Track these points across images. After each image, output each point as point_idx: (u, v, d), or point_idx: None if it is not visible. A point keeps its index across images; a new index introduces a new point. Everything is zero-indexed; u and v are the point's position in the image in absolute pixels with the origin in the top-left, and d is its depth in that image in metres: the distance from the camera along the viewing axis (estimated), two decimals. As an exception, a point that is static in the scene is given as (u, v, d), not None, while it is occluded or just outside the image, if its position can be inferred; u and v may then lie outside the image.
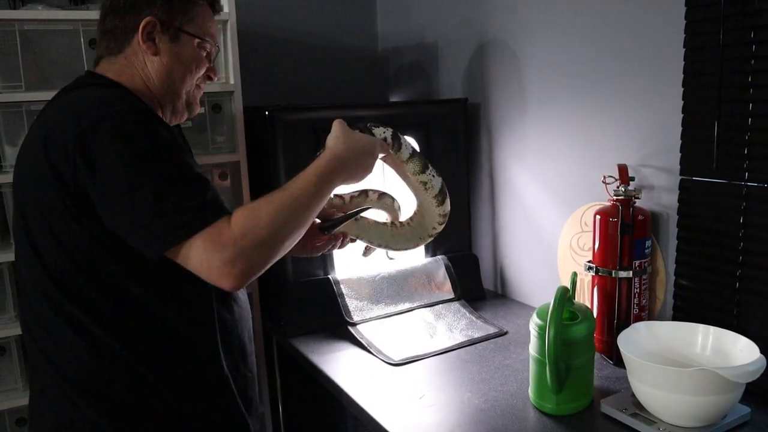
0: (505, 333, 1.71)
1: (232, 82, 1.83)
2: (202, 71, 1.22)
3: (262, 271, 1.01)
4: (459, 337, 1.68)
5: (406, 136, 1.30)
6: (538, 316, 1.31)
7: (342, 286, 1.79)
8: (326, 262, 1.82)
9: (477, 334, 1.70)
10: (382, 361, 1.57)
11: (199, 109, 1.26)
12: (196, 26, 1.19)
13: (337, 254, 1.83)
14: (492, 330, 1.72)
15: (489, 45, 1.96)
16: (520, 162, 1.90)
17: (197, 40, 1.19)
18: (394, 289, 1.84)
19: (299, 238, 1.06)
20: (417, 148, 1.38)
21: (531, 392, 1.34)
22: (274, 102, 2.14)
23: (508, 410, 1.31)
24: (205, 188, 1.00)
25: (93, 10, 1.73)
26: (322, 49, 2.43)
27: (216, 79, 1.28)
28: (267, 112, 1.73)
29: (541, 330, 1.28)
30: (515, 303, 1.98)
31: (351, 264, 1.84)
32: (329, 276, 1.81)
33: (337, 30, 2.46)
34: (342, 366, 1.57)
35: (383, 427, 1.29)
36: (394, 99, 2.51)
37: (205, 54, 1.21)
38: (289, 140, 1.75)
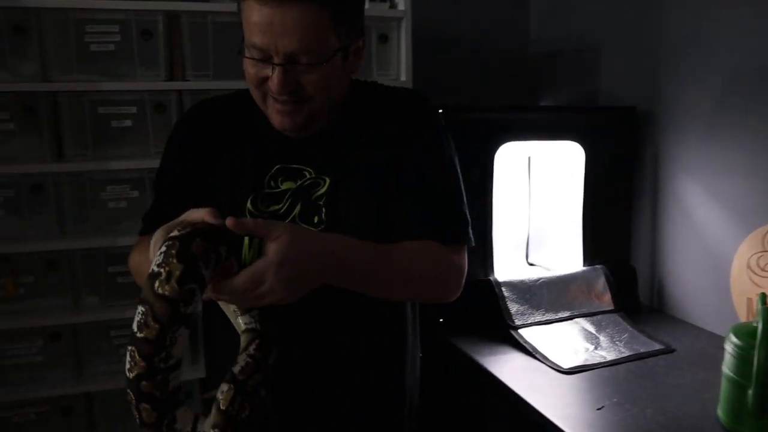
0: (673, 350, 1.66)
1: (403, 78, 1.86)
2: (255, 87, 1.03)
3: None
4: (624, 351, 1.65)
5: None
6: (736, 336, 1.27)
7: (504, 288, 1.79)
8: (486, 263, 1.83)
9: (642, 349, 1.65)
10: (550, 367, 1.56)
11: (283, 122, 1.05)
12: (245, 29, 1.00)
13: (498, 255, 1.83)
14: (657, 346, 1.67)
15: (664, 49, 1.90)
16: (691, 174, 1.84)
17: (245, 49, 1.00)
18: (554, 296, 1.82)
19: None
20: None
21: (723, 414, 1.29)
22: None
23: (696, 431, 1.27)
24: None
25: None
26: (474, 49, 2.43)
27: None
28: (441, 111, 1.74)
29: (741, 350, 1.24)
30: (674, 319, 1.91)
31: (510, 266, 1.84)
32: (490, 278, 1.82)
33: (488, 30, 2.45)
34: (507, 368, 1.57)
35: (568, 434, 1.28)
36: (544, 104, 2.48)
37: (252, 66, 1.00)
38: (460, 141, 1.75)
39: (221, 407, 0.84)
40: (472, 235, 1.15)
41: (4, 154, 1.60)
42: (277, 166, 1.11)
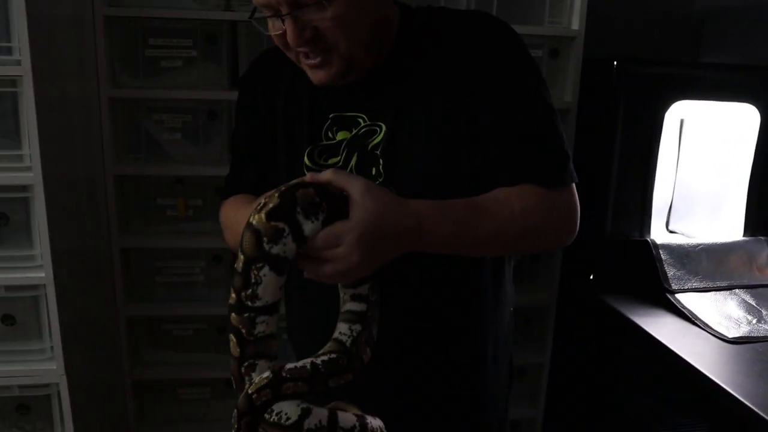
0: (844, 331, 1.58)
1: (575, 27, 1.79)
2: (285, 49, 0.96)
3: None
4: (790, 326, 1.58)
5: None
6: None
7: (661, 251, 1.75)
8: (643, 224, 1.78)
9: (809, 327, 1.59)
10: (711, 334, 1.52)
11: (317, 77, 0.97)
12: None
13: (656, 214, 1.78)
14: (825, 325, 1.60)
15: None
16: None
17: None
18: (713, 264, 1.77)
19: None
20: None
21: None
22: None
23: None
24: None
25: None
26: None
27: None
28: (615, 63, 1.69)
29: None
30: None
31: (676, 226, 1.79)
32: (647, 239, 1.77)
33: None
34: (665, 331, 1.54)
35: (743, 402, 1.25)
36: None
37: (270, 26, 0.94)
38: (634, 97, 1.69)
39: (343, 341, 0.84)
40: (574, 170, 0.99)
41: (185, 80, 1.66)
42: (332, 116, 1.03)
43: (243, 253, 0.78)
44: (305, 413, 0.81)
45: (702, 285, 1.73)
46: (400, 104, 0.99)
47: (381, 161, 0.99)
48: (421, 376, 1.08)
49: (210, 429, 1.88)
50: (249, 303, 0.79)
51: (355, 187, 0.81)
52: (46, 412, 1.47)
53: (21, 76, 1.26)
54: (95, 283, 1.68)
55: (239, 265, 0.79)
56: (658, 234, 1.82)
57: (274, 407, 0.80)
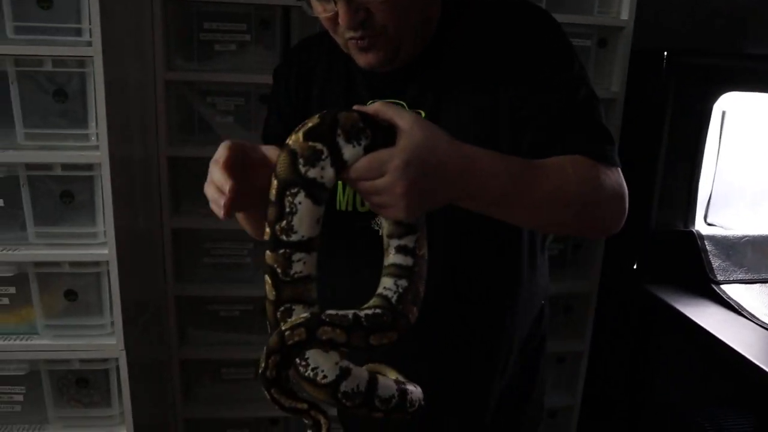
0: None
1: (624, 17, 1.79)
2: (333, 33, 0.97)
3: None
4: (837, 319, 1.59)
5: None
6: None
7: (706, 242, 1.75)
8: (688, 214, 1.79)
9: None
10: (759, 325, 1.53)
11: (366, 60, 0.97)
12: None
13: (701, 205, 1.79)
14: None
15: None
16: None
17: None
18: (758, 257, 1.77)
19: None
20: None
21: None
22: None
23: None
24: None
25: None
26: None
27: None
28: (666, 54, 1.69)
29: None
30: None
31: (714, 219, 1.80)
32: (692, 229, 1.78)
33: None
34: (710, 321, 1.55)
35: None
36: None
37: (321, 9, 0.93)
38: (683, 89, 1.69)
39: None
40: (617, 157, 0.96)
41: (238, 63, 1.68)
42: (370, 102, 0.98)
43: (277, 177, 0.72)
44: (344, 374, 0.75)
45: (748, 276, 1.73)
46: (440, 91, 0.99)
47: None
48: (438, 366, 1.07)
49: (252, 409, 1.92)
50: (284, 237, 0.72)
51: (404, 118, 0.76)
52: (104, 386, 1.51)
53: (91, 56, 1.29)
54: (148, 262, 1.71)
55: (273, 192, 0.73)
56: (701, 225, 1.83)
57: (310, 361, 0.75)
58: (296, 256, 0.73)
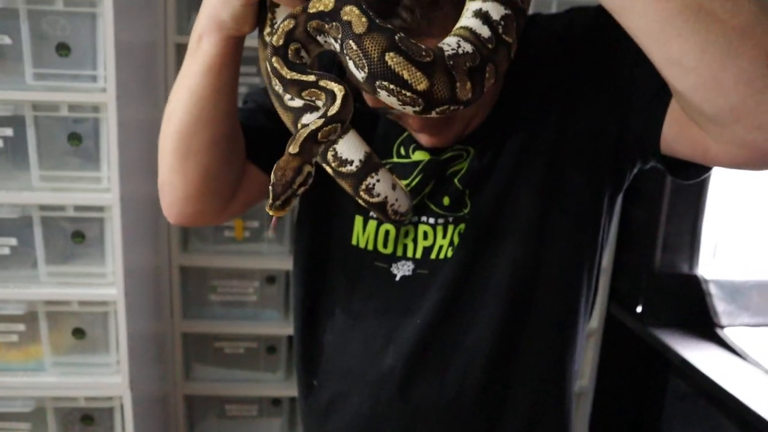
0: None
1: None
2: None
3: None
4: (842, 365, 1.58)
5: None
6: None
7: (711, 285, 1.76)
8: (693, 257, 1.79)
9: None
10: (763, 372, 1.53)
11: (426, 141, 0.85)
12: None
13: (705, 250, 1.79)
14: None
15: None
16: None
17: None
18: (764, 300, 1.77)
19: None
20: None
21: None
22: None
23: None
24: None
25: None
26: None
27: None
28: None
29: None
30: None
31: (719, 262, 1.80)
32: (697, 273, 1.78)
33: None
34: (713, 367, 1.55)
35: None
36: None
37: None
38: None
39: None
40: None
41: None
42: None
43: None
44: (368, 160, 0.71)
45: (753, 321, 1.73)
46: (497, 127, 0.82)
47: (467, 192, 0.83)
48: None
49: (256, 446, 1.93)
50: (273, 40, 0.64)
51: None
52: (108, 423, 1.53)
53: (105, 102, 1.33)
54: (155, 298, 1.74)
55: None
56: (705, 268, 1.84)
57: (337, 148, 0.68)
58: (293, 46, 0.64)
